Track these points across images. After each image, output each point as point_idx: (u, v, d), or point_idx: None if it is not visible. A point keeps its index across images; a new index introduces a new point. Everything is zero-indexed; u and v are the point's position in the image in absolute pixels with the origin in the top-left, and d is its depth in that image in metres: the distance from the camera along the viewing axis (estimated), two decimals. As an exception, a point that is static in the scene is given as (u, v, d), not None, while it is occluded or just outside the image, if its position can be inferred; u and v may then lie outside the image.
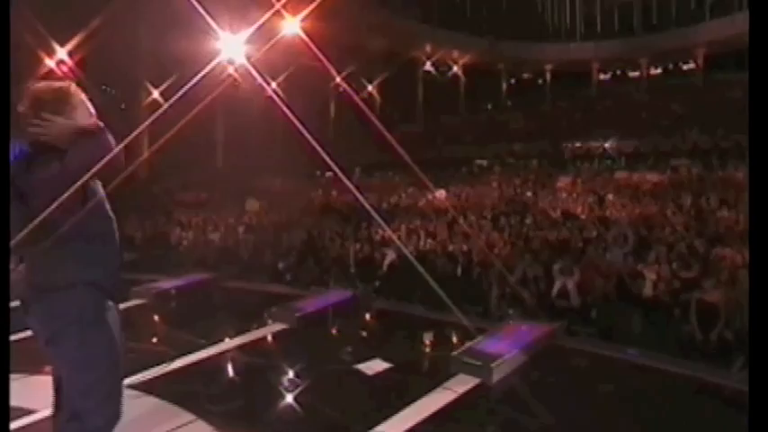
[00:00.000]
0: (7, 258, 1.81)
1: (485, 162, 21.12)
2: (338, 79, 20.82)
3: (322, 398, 3.32)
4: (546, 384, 3.59)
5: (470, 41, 24.82)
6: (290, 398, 3.35)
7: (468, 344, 3.97)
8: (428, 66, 24.24)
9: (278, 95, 19.61)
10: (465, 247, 7.04)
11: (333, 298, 5.35)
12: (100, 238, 1.88)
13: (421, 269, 4.56)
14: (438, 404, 3.19)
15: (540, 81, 28.68)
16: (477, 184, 15.71)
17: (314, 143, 4.67)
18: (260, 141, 21.39)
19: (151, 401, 3.08)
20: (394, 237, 8.10)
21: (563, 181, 13.86)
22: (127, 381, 2.17)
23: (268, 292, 6.26)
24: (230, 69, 19.16)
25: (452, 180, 16.18)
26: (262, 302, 5.52)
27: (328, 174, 20.10)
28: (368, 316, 5.30)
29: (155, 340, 4.50)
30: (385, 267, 6.96)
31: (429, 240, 8.14)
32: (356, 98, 21.65)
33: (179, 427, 2.82)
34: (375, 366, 3.76)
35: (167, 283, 5.99)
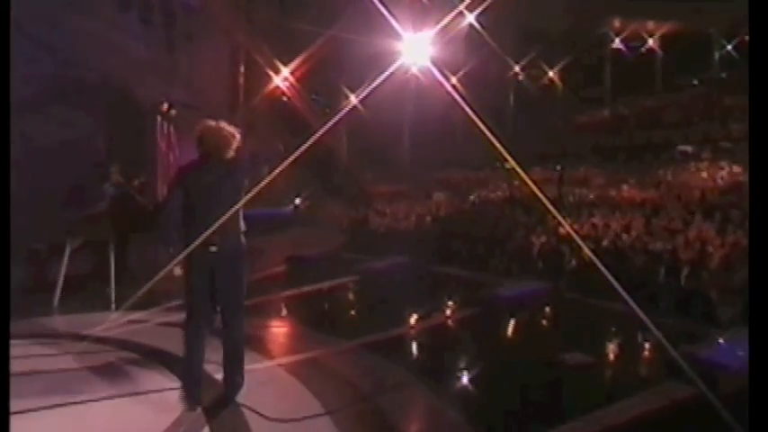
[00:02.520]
0: (7, 258, 2.16)
1: (689, 148, 18.14)
2: (516, 68, 20.12)
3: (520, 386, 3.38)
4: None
5: (669, 8, 21.20)
6: (484, 377, 3.48)
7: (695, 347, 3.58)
8: (617, 43, 21.61)
9: (457, 90, 19.94)
10: (669, 245, 6.25)
11: (528, 288, 5.35)
12: None
13: (601, 267, 4.24)
14: (645, 408, 2.96)
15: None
16: (681, 173, 13.62)
17: (489, 135, 4.70)
18: (444, 135, 22.03)
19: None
20: (570, 230, 7.61)
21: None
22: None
23: (460, 278, 6.55)
24: (413, 68, 20.10)
25: (650, 168, 14.30)
26: (455, 286, 5.83)
27: (508, 165, 19.70)
28: (563, 308, 5.16)
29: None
30: (573, 262, 6.63)
31: (625, 236, 7.45)
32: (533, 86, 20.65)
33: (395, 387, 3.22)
34: (576, 359, 3.67)
35: (377, 264, 6.77)
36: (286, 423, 2.73)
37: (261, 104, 15.20)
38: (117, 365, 3.57)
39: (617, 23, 21.75)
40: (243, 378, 3.02)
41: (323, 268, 7.01)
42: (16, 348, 3.95)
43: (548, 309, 4.86)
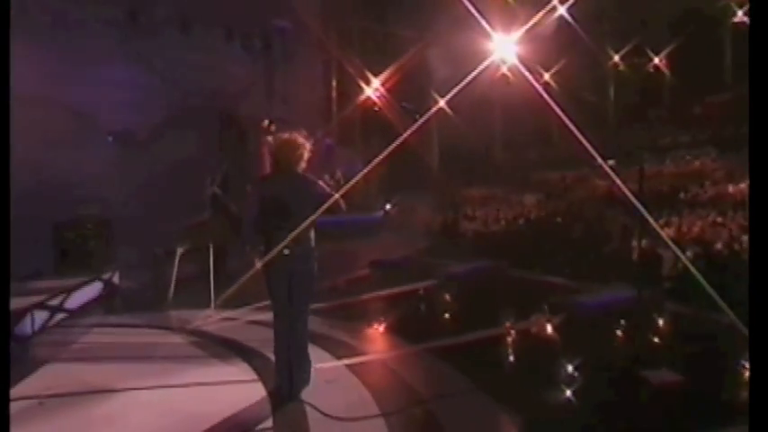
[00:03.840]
0: (7, 259, 2.23)
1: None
2: (616, 58, 18.44)
3: (590, 397, 3.10)
4: None
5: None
6: (559, 391, 3.25)
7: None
8: (740, 16, 18.68)
9: (550, 87, 18.84)
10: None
11: (614, 295, 4.87)
12: None
13: (699, 276, 3.69)
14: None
15: None
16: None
17: (577, 133, 4.35)
18: (539, 135, 20.99)
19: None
20: (662, 234, 6.73)
21: None
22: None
23: (548, 283, 6.18)
24: (503, 68, 19.49)
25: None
26: (540, 293, 5.50)
27: (610, 162, 18.14)
28: (656, 319, 4.61)
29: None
30: (670, 268, 5.89)
31: (744, 237, 6.44)
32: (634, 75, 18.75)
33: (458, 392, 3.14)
34: (661, 376, 3.25)
35: (456, 268, 6.65)
36: (342, 421, 2.82)
37: (353, 115, 15.84)
38: (207, 357, 3.96)
39: (738, -6, 18.91)
40: (309, 375, 3.17)
41: (405, 272, 7.08)
42: (134, 336, 4.60)
43: (631, 319, 4.36)
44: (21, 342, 4.27)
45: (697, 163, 15.31)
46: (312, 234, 3.18)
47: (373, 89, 16.62)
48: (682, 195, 11.94)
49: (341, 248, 9.74)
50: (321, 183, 3.22)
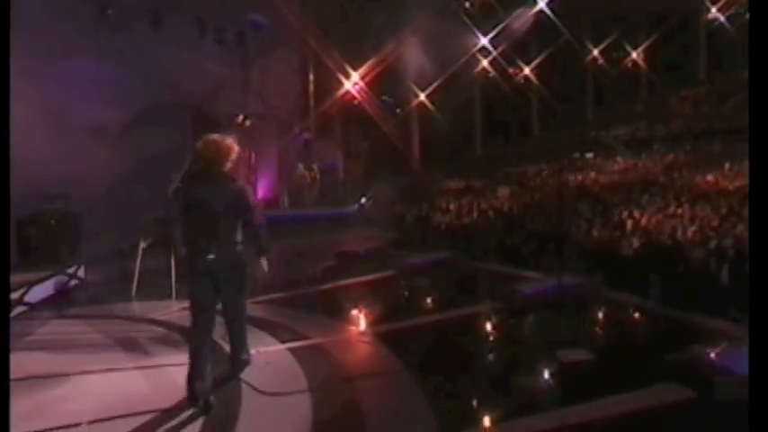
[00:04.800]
0: (7, 259, 2.43)
1: None
2: (595, 52, 18.82)
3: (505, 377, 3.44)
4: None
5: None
6: (479, 372, 3.57)
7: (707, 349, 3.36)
8: (713, 12, 19.14)
9: (530, 81, 19.19)
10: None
11: (557, 284, 5.21)
12: None
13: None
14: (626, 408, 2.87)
15: None
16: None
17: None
18: (516, 128, 21.38)
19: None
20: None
21: None
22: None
23: (501, 274, 6.52)
24: (483, 62, 19.66)
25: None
26: (491, 282, 5.85)
27: (588, 155, 18.59)
28: (593, 306, 4.98)
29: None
30: (625, 258, 6.26)
31: (692, 228, 6.83)
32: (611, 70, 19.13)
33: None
34: (571, 355, 3.60)
35: (416, 259, 7.00)
36: (271, 396, 3.14)
37: (331, 109, 16.04)
38: (163, 343, 4.26)
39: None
40: (249, 358, 3.43)
41: (368, 264, 7.40)
42: (102, 324, 4.88)
43: (569, 306, 4.71)
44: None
45: (671, 156, 15.79)
46: (238, 237, 3.15)
47: (352, 83, 16.82)
48: (651, 188, 12.36)
49: (314, 241, 10.05)
50: (245, 185, 3.25)
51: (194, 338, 3.15)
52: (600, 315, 4.75)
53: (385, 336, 4.25)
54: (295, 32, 13.85)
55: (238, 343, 3.35)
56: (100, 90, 9.24)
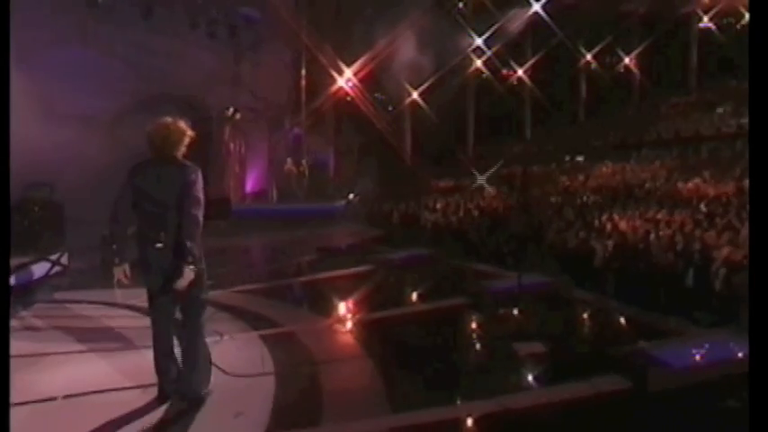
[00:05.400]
0: (7, 259, 2.43)
1: None
2: (588, 57, 19.11)
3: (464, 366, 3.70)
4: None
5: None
6: (440, 362, 3.82)
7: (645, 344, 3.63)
8: (705, 21, 19.52)
9: (524, 83, 19.48)
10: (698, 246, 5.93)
11: (526, 282, 5.48)
12: None
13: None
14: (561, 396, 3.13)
15: None
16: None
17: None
18: (510, 130, 21.65)
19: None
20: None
21: None
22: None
23: (476, 271, 6.78)
24: (477, 62, 19.85)
25: (741, 160, 12.99)
26: (464, 279, 6.11)
27: (579, 158, 18.91)
28: (556, 304, 5.24)
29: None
30: (599, 259, 6.52)
31: (666, 232, 7.11)
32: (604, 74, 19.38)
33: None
34: (528, 348, 3.87)
35: (393, 255, 7.25)
36: (239, 378, 3.37)
37: (324, 105, 16.23)
38: (139, 326, 4.48)
39: (706, -1, 19.71)
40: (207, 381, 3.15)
41: (348, 258, 7.64)
42: (84, 309, 5.08)
43: (532, 303, 4.97)
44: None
45: (657, 162, 16.12)
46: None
47: (345, 79, 16.99)
48: (636, 191, 12.66)
49: (299, 235, 10.28)
50: (197, 171, 2.96)
51: (153, 333, 3.10)
52: (560, 312, 5.00)
53: (354, 326, 4.50)
54: (288, 27, 14.04)
55: (189, 362, 3.03)
56: (88, 80, 9.40)
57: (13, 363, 3.61)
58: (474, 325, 4.70)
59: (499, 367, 3.72)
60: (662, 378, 3.18)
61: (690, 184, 12.19)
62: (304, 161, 14.91)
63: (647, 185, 13.01)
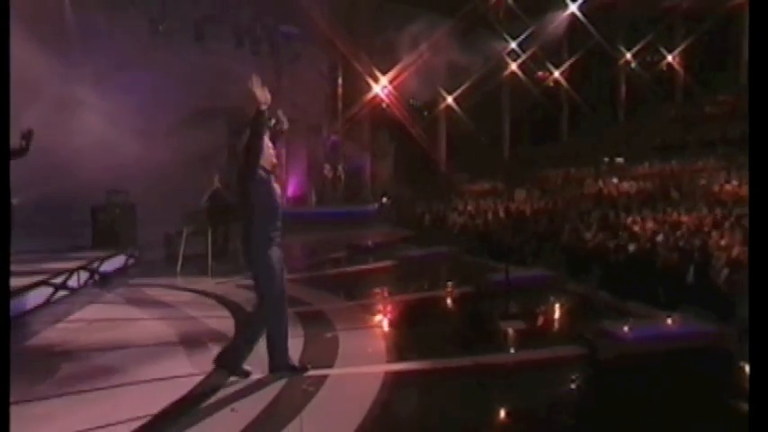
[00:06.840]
0: (7, 259, 2.72)
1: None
2: (628, 56, 19.33)
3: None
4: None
5: None
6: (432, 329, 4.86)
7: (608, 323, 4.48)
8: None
9: (560, 85, 19.95)
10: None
11: (527, 275, 6.41)
12: None
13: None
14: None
15: None
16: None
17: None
18: (546, 131, 22.12)
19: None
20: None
21: None
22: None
23: (486, 266, 7.70)
24: (513, 66, 20.51)
25: None
26: (472, 271, 7.14)
27: (619, 160, 19.15)
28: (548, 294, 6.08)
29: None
30: (615, 259, 7.19)
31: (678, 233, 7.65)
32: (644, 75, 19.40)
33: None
34: (514, 325, 4.84)
35: (415, 252, 8.36)
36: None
37: (360, 113, 17.47)
38: (199, 303, 5.82)
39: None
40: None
41: (374, 255, 8.81)
42: (154, 290, 6.50)
43: (526, 292, 5.87)
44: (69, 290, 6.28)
45: (700, 163, 16.16)
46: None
47: (381, 86, 18.15)
48: (675, 194, 12.91)
49: (336, 235, 11.51)
50: None
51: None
52: (548, 299, 5.89)
53: (368, 305, 5.68)
54: (325, 40, 15.38)
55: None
56: (150, 97, 11.07)
57: (104, 324, 5.01)
58: (472, 307, 5.73)
59: (485, 338, 4.71)
60: (606, 348, 4.07)
61: (728, 186, 12.31)
62: (341, 166, 16.21)
63: (685, 187, 13.18)
